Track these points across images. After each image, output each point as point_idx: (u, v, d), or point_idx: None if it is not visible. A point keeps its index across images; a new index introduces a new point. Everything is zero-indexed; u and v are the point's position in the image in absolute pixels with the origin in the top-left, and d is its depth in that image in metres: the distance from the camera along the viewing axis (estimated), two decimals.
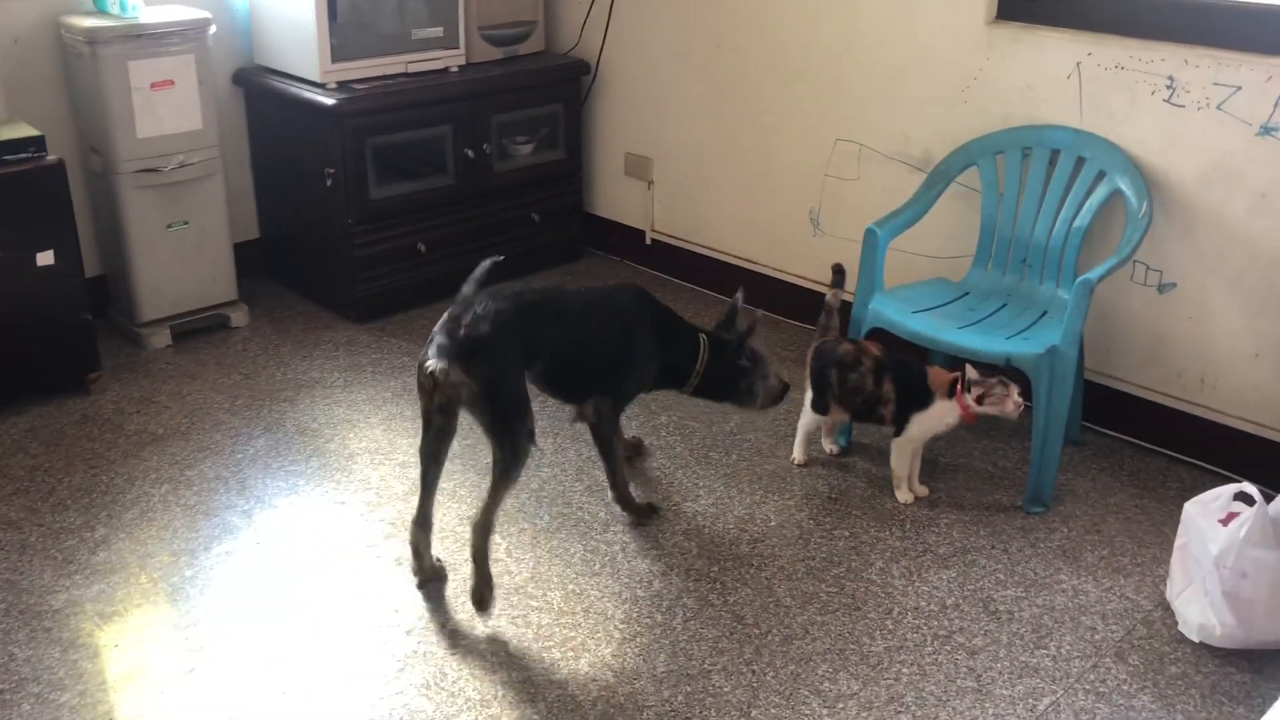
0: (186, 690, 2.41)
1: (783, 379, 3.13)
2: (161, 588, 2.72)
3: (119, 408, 3.52)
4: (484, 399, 2.55)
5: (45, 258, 3.41)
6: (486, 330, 2.56)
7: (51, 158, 3.38)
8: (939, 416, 3.00)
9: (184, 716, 2.34)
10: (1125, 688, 2.46)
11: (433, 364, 2.54)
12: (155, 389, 3.64)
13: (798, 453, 3.30)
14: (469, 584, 2.64)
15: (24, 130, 3.39)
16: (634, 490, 3.08)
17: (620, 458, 3.02)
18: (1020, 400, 2.92)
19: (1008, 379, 2.91)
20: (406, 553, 2.85)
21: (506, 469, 2.59)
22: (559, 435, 3.41)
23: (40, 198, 3.36)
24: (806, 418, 3.25)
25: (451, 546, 2.90)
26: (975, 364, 2.94)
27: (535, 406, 2.71)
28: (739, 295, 3.12)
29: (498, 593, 2.70)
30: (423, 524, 2.74)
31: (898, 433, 3.06)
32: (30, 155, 3.34)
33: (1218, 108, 3.03)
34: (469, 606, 2.66)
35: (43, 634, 2.56)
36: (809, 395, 3.20)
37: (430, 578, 2.77)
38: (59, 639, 2.55)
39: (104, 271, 4.02)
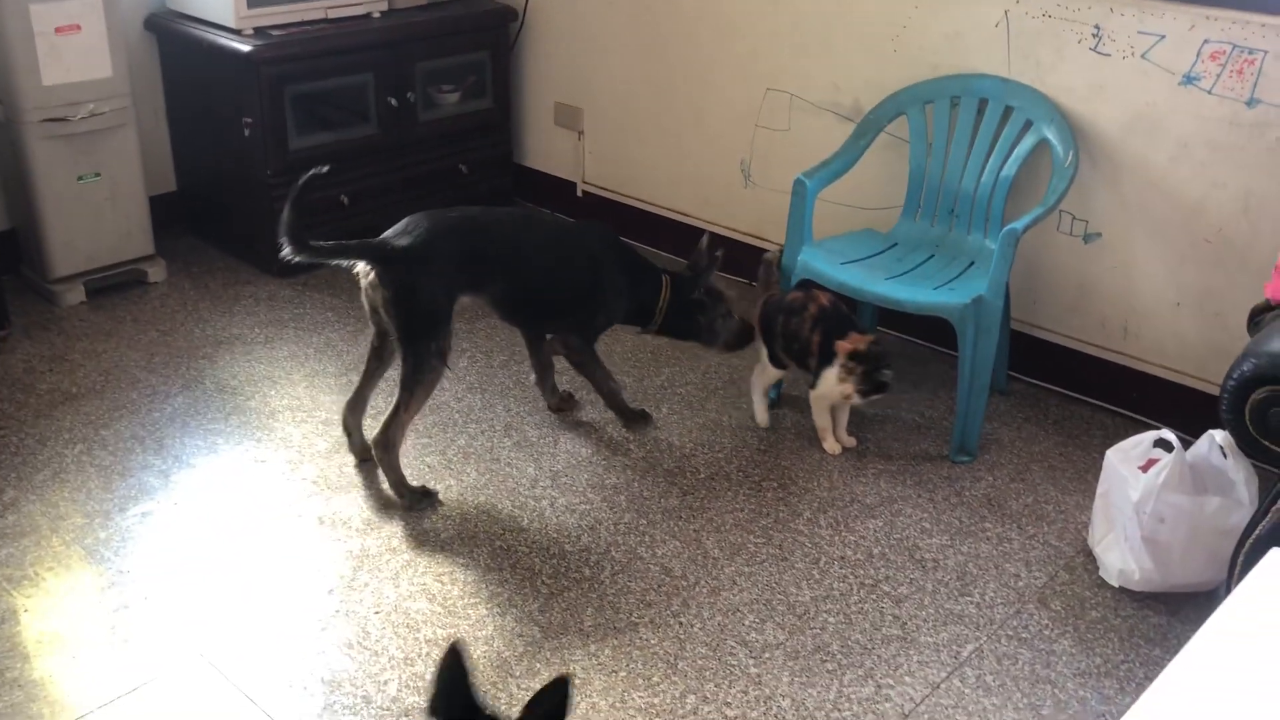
0: (103, 653, 2.35)
1: (747, 321, 3.15)
2: (75, 550, 2.64)
3: (30, 366, 3.40)
4: (394, 306, 2.69)
5: None
6: (407, 243, 2.71)
7: None
8: (832, 382, 2.96)
9: (100, 679, 2.28)
10: (1047, 633, 2.49)
11: (359, 267, 2.74)
12: (68, 347, 3.53)
13: (759, 415, 3.23)
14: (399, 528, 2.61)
15: None
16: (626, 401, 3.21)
17: (603, 375, 3.12)
18: (850, 390, 2.91)
19: (867, 367, 2.87)
20: (329, 511, 2.80)
21: (407, 382, 2.73)
22: (486, 391, 3.37)
23: None
24: (763, 375, 3.20)
25: (377, 504, 2.84)
26: (858, 346, 2.88)
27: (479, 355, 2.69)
28: (705, 239, 3.17)
29: (425, 549, 2.67)
30: (353, 407, 2.96)
31: (812, 386, 3.05)
32: None
33: (1142, 56, 3.04)
34: (392, 565, 2.63)
35: None
36: (763, 351, 3.16)
37: (362, 457, 2.95)
38: None
39: (12, 225, 3.87)
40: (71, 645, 2.38)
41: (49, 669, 2.31)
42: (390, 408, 2.77)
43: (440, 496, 2.87)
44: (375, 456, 2.80)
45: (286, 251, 2.69)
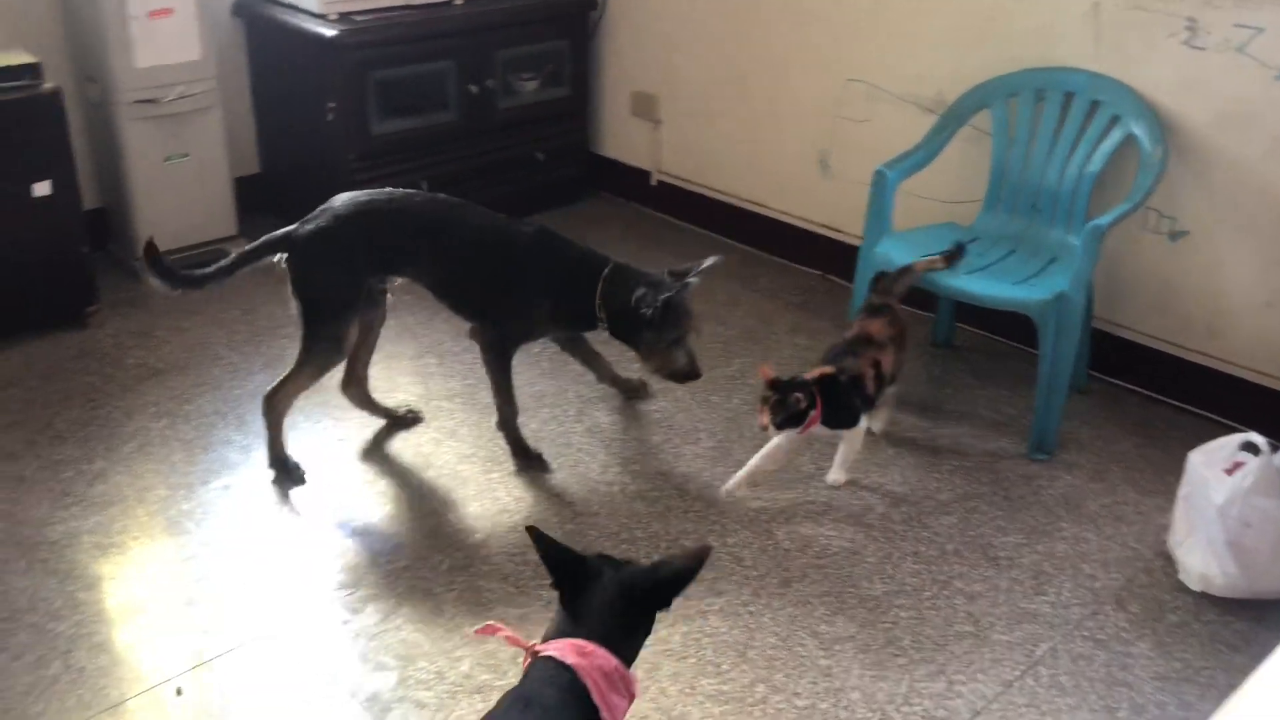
0: (183, 622, 2.41)
1: (694, 364, 2.82)
2: (159, 520, 2.71)
3: (118, 341, 3.50)
4: (293, 290, 2.78)
5: (42, 188, 3.36)
6: (307, 230, 2.74)
7: (48, 85, 3.33)
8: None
9: (180, 648, 2.34)
10: (1124, 635, 2.45)
11: (277, 255, 2.79)
12: (154, 323, 3.61)
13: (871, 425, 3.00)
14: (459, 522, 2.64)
15: (20, 57, 3.33)
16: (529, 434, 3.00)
17: (501, 389, 2.88)
18: (767, 423, 2.68)
19: (785, 398, 2.66)
20: (405, 489, 2.85)
21: (299, 360, 2.81)
22: (560, 377, 3.39)
23: (36, 126, 3.31)
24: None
25: (450, 484, 2.88)
26: (784, 382, 2.70)
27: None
28: (714, 260, 2.84)
29: (497, 530, 2.70)
30: (346, 385, 3.06)
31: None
32: (26, 83, 3.28)
33: (1238, 50, 2.96)
34: (466, 544, 2.66)
35: (40, 565, 2.55)
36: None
37: (392, 418, 3.10)
38: (56, 570, 2.54)
39: (103, 204, 3.98)
40: (153, 613, 2.44)
41: (133, 635, 2.37)
42: (281, 376, 2.84)
43: (514, 478, 2.89)
44: (263, 413, 2.85)
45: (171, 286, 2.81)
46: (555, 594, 2.07)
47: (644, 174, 4.59)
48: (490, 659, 2.32)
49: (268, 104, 4.27)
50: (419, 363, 3.44)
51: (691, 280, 2.76)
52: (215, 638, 2.37)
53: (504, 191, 4.40)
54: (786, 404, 2.66)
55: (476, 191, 4.30)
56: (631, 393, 3.25)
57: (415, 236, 2.80)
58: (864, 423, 2.85)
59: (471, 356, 3.48)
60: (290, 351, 3.45)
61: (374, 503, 2.82)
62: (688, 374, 2.84)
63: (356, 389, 3.08)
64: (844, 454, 2.89)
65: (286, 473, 2.87)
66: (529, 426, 3.12)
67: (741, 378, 3.42)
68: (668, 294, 2.69)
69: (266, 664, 2.30)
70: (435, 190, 4.13)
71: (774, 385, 2.69)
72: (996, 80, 3.33)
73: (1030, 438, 3.07)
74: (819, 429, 2.76)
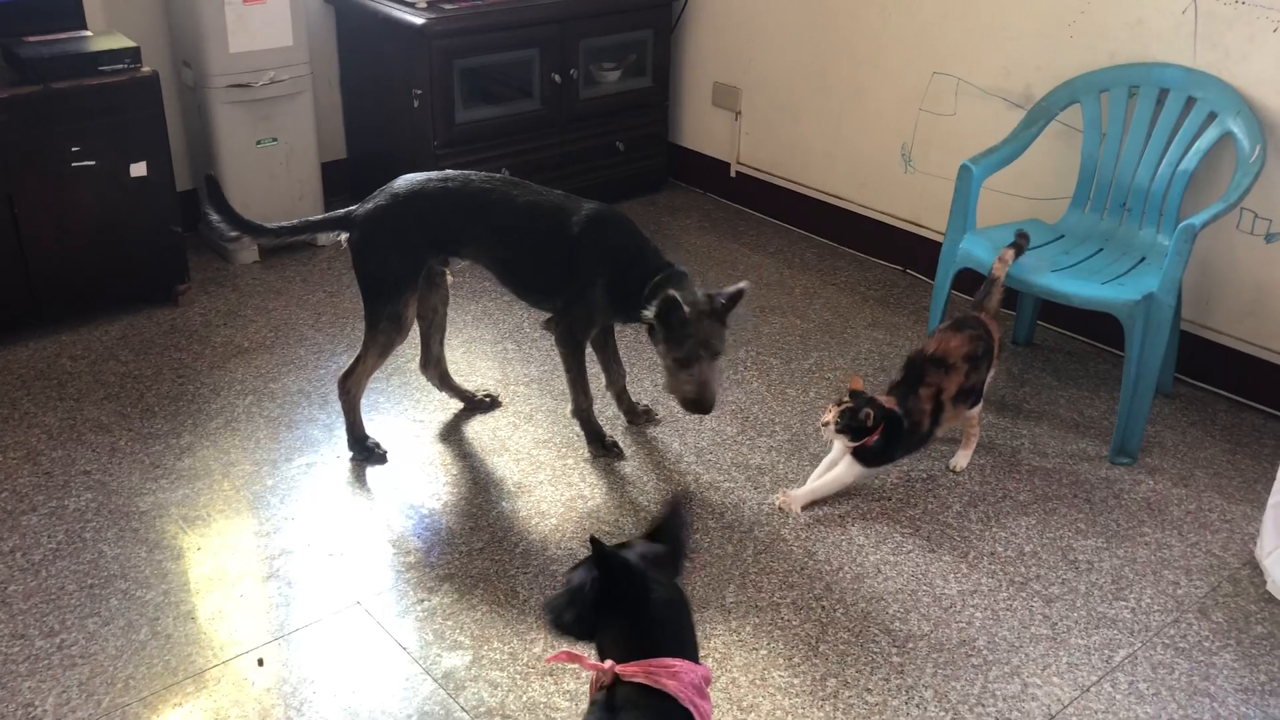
0: (266, 595, 2.47)
1: (703, 392, 2.65)
2: (244, 495, 2.78)
3: (206, 320, 3.59)
4: (354, 269, 2.84)
5: (138, 169, 3.46)
6: (365, 209, 2.77)
7: (146, 69, 3.42)
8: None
9: (263, 620, 2.40)
10: (1207, 644, 2.40)
11: (338, 232, 2.85)
12: (242, 303, 3.70)
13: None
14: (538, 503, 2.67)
15: (121, 41, 3.43)
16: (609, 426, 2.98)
17: (576, 382, 2.88)
18: (830, 421, 2.67)
19: (857, 409, 2.64)
20: (482, 473, 2.88)
21: (363, 344, 2.84)
22: (634, 365, 3.40)
23: (135, 109, 3.40)
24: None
25: (527, 468, 2.91)
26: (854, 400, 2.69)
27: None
28: (743, 286, 2.70)
29: (571, 514, 2.72)
30: (424, 365, 3.11)
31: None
32: (126, 66, 3.37)
33: None
34: (540, 528, 2.69)
35: (130, 534, 2.64)
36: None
37: (468, 400, 3.15)
38: (145, 539, 2.62)
39: (195, 185, 4.07)
40: (238, 585, 2.50)
41: (217, 606, 2.44)
42: (351, 360, 2.89)
43: (588, 465, 2.91)
44: (339, 395, 2.90)
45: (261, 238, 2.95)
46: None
47: (723, 165, 4.58)
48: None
49: (356, 90, 4.34)
50: (498, 348, 3.48)
51: (714, 296, 2.64)
52: (295, 611, 2.42)
53: (583, 181, 4.43)
54: (856, 415, 2.64)
55: (556, 181, 4.34)
56: (632, 415, 3.11)
57: (471, 216, 2.76)
58: (861, 472, 2.75)
59: (549, 343, 3.51)
60: None
61: (451, 484, 2.86)
62: (695, 401, 2.68)
63: (434, 369, 3.13)
64: (826, 480, 2.77)
65: (366, 452, 2.92)
66: (604, 415, 3.13)
67: (819, 371, 3.40)
68: (671, 296, 2.55)
69: (344, 638, 2.35)
70: (519, 176, 4.18)
71: (854, 394, 2.70)
72: (1088, 75, 3.27)
73: (1113, 441, 3.01)
74: (827, 433, 2.72)
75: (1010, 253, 2.94)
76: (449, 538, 2.66)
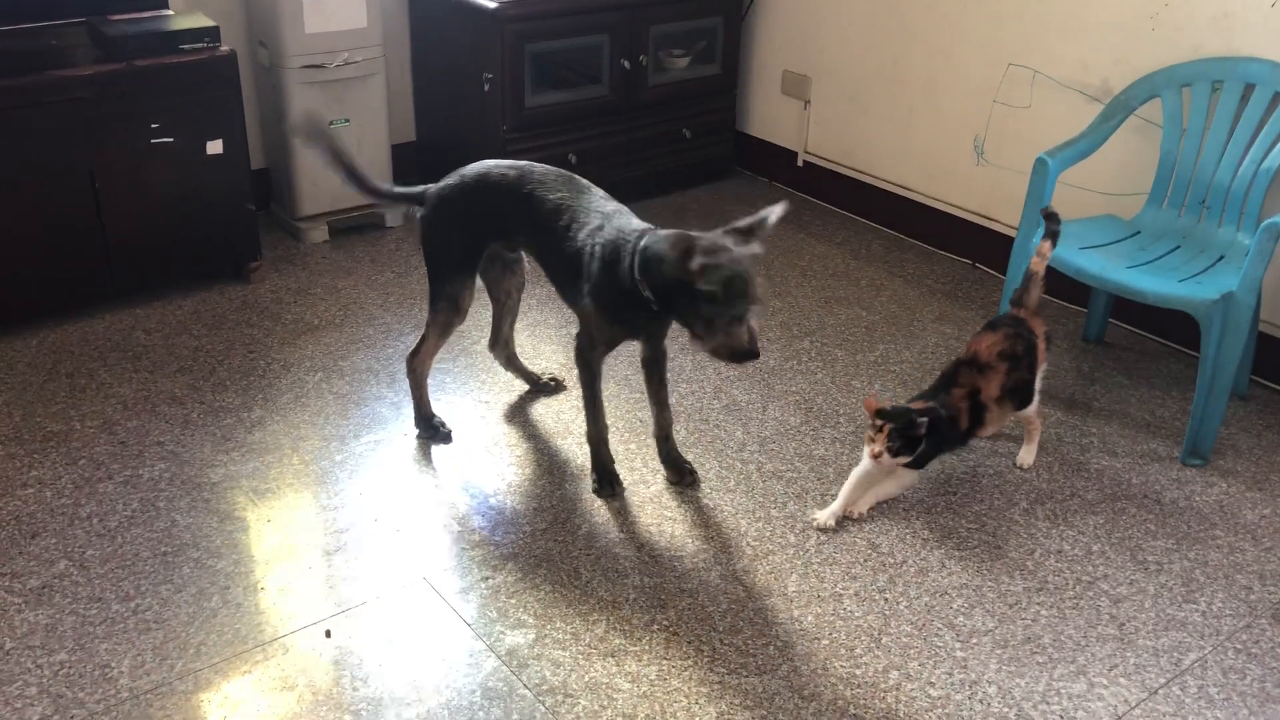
0: (332, 568, 2.51)
1: (756, 336, 2.35)
2: (312, 470, 2.82)
3: (277, 297, 3.64)
4: (420, 247, 2.86)
5: (214, 147, 3.52)
6: (435, 190, 2.79)
7: (224, 49, 3.47)
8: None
9: (330, 593, 2.44)
10: None
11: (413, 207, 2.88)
12: (312, 281, 3.75)
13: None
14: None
15: (201, 21, 3.49)
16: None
17: (589, 404, 2.70)
18: (881, 453, 2.58)
19: (897, 424, 2.56)
20: (546, 455, 2.90)
21: (426, 324, 2.88)
22: (697, 354, 3.38)
23: (213, 87, 3.46)
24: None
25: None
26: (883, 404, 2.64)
27: None
28: (777, 210, 2.42)
29: (634, 499, 2.73)
30: (493, 344, 3.16)
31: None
32: (205, 45, 3.43)
33: None
34: (603, 511, 2.70)
35: (202, 504, 2.69)
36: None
37: (534, 384, 3.19)
38: (216, 510, 2.67)
39: (267, 165, 4.14)
40: (306, 557, 2.54)
41: (286, 577, 2.48)
42: (417, 340, 2.92)
43: (652, 450, 2.91)
44: (406, 374, 2.95)
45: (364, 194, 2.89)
46: (693, 568, 2.07)
47: (791, 154, 4.55)
48: (625, 624, 2.35)
49: (427, 73, 4.37)
50: (562, 332, 3.50)
51: (751, 233, 2.36)
52: (361, 585, 2.46)
53: (650, 168, 4.44)
54: (908, 431, 2.55)
55: (623, 167, 4.36)
56: (676, 470, 2.82)
57: (518, 208, 2.69)
58: (917, 474, 2.73)
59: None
60: None
61: (515, 465, 2.88)
62: (748, 351, 2.35)
63: (501, 350, 3.15)
64: (890, 489, 2.73)
65: (432, 431, 2.95)
66: None
67: (884, 364, 3.38)
68: (694, 241, 2.28)
69: (410, 614, 2.38)
70: (586, 163, 4.19)
71: (882, 414, 2.59)
72: (1170, 69, 3.20)
73: (1185, 442, 2.96)
74: (887, 460, 2.62)
75: (1047, 244, 2.82)
76: (513, 517, 2.68)
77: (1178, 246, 3.12)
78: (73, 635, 2.28)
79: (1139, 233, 3.19)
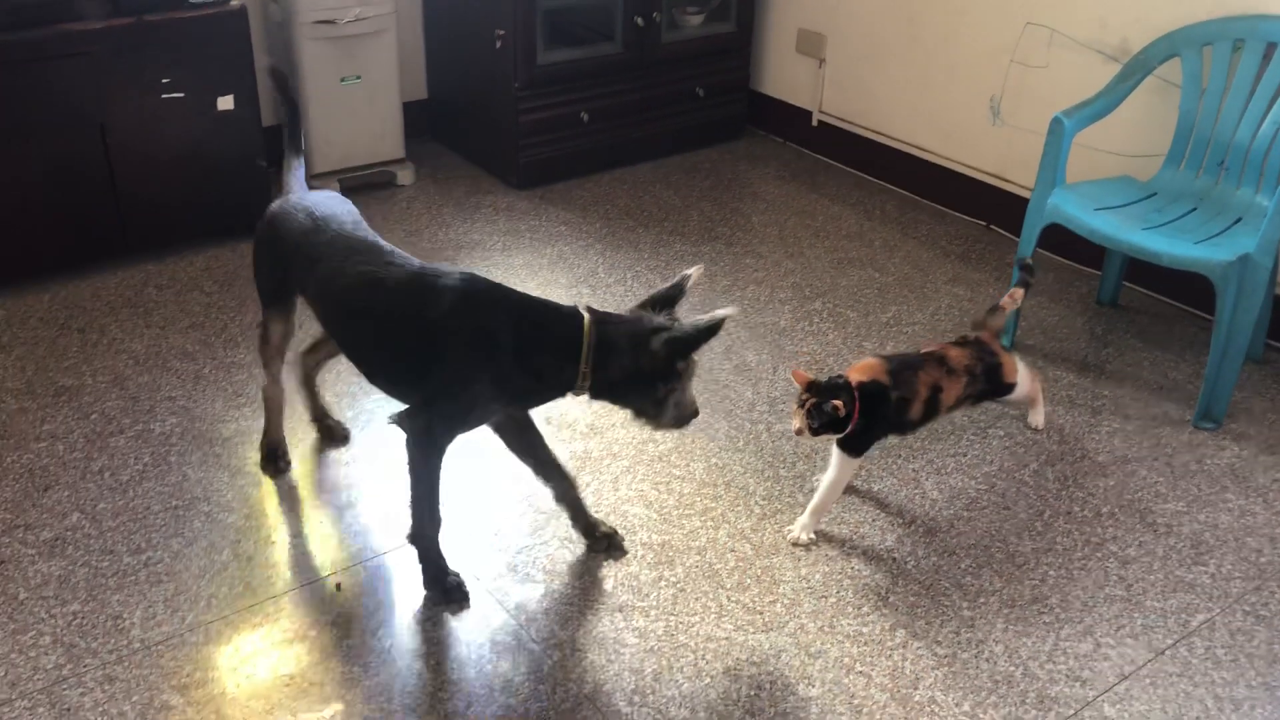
0: (343, 522, 2.52)
1: (693, 401, 2.23)
2: (323, 425, 2.83)
3: None
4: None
5: (225, 102, 3.51)
6: (276, 204, 2.49)
7: (235, 3, 3.45)
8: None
9: (338, 546, 2.45)
10: None
11: None
12: None
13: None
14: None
15: None
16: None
17: (425, 499, 2.26)
18: (802, 427, 2.40)
19: (823, 402, 2.37)
20: (556, 413, 2.90)
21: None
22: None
23: (223, 43, 3.44)
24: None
25: (600, 411, 2.92)
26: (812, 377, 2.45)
27: None
28: (694, 272, 2.24)
29: (643, 458, 2.73)
30: (305, 350, 2.76)
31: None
32: (216, 0, 3.40)
33: None
34: (612, 469, 2.70)
35: (213, 459, 2.70)
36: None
37: (323, 421, 2.82)
38: (227, 465, 2.68)
39: (279, 121, 4.12)
40: (317, 512, 2.56)
41: (297, 531, 2.50)
42: None
43: None
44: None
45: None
46: (701, 526, 2.07)
47: (805, 114, 4.52)
48: (633, 580, 2.36)
49: (438, 30, 4.34)
50: (573, 291, 3.49)
51: (672, 303, 2.19)
52: (372, 539, 2.47)
53: (662, 127, 4.41)
54: (824, 410, 2.37)
55: (635, 125, 4.33)
56: (593, 538, 2.47)
57: (306, 264, 2.35)
58: (859, 462, 2.50)
59: (627, 284, 3.53)
60: None
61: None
62: (690, 419, 2.24)
63: (304, 366, 2.80)
64: (819, 498, 2.50)
65: (327, 431, 2.80)
66: None
67: (896, 325, 3.36)
68: (675, 335, 2.10)
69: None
70: (598, 121, 4.16)
71: (810, 387, 2.41)
72: (1190, 28, 3.16)
73: (1197, 405, 2.94)
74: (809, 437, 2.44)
75: (1020, 293, 2.77)
76: (521, 474, 2.68)
77: (1194, 208, 3.08)
78: (85, 586, 2.30)
79: (1155, 194, 3.15)
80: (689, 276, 2.21)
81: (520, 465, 2.43)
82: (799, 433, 2.42)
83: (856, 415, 2.40)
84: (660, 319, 2.13)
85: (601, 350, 2.09)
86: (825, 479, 2.51)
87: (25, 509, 2.51)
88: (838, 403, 2.36)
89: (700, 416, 2.86)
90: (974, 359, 2.61)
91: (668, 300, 2.18)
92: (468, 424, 2.23)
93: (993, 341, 2.68)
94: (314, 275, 2.32)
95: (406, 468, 2.23)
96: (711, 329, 2.09)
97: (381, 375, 2.28)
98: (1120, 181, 3.22)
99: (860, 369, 2.48)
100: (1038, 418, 2.89)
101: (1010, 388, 2.69)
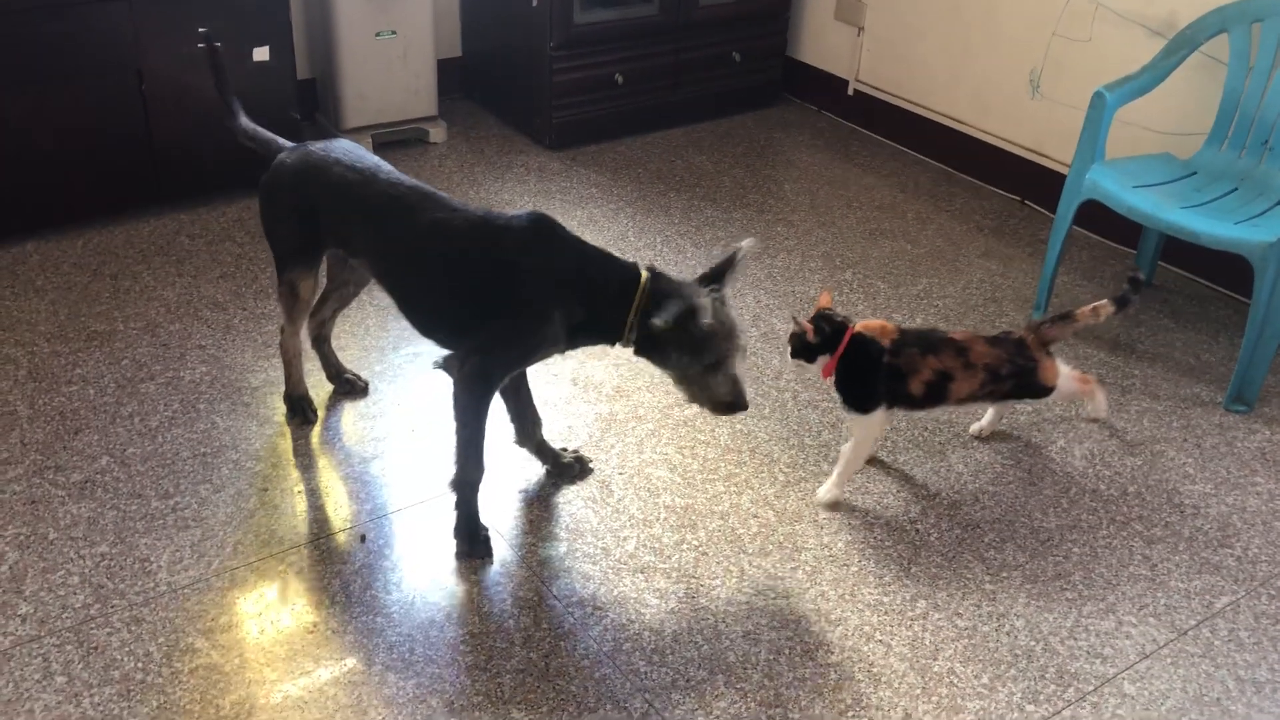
0: (368, 474, 2.54)
1: (738, 392, 2.22)
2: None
3: None
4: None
5: (261, 54, 3.50)
6: (266, 177, 2.50)
7: None
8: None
9: (364, 498, 2.47)
10: None
11: None
12: None
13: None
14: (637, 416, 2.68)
15: None
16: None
17: (472, 444, 2.25)
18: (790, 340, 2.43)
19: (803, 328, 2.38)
20: (583, 375, 2.91)
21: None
22: (737, 281, 3.37)
23: None
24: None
25: (626, 373, 2.92)
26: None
27: None
28: (746, 245, 2.27)
29: (668, 421, 2.73)
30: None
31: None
32: None
33: None
34: (637, 432, 2.71)
35: (241, 408, 2.72)
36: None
37: (339, 379, 2.81)
38: (256, 414, 2.70)
39: (313, 75, 4.12)
40: (344, 464, 2.57)
41: (323, 482, 2.52)
42: None
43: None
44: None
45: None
46: (725, 491, 2.06)
47: (841, 82, 4.47)
48: (655, 542, 2.37)
49: None
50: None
51: (723, 285, 2.23)
52: (397, 492, 2.49)
53: (697, 91, 4.38)
54: (798, 328, 2.39)
55: (669, 89, 4.30)
56: (560, 468, 2.55)
57: (341, 207, 2.38)
58: (877, 417, 2.43)
59: (660, 232, 3.51)
60: None
61: (551, 383, 2.88)
62: (730, 405, 2.24)
63: (315, 328, 2.79)
64: (842, 462, 2.49)
65: (296, 414, 2.71)
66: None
67: (927, 298, 3.34)
68: (691, 304, 2.11)
69: (444, 522, 2.40)
70: (632, 84, 4.14)
71: (818, 315, 2.44)
72: (1241, 3, 3.10)
73: (1230, 387, 2.91)
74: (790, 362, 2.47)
75: (1109, 309, 2.52)
76: (547, 434, 2.69)
77: (1235, 188, 3.04)
78: (113, 529, 2.33)
79: (1195, 173, 3.11)
80: (741, 249, 2.24)
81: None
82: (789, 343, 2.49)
83: (836, 360, 2.42)
84: (698, 289, 2.18)
85: (653, 303, 2.14)
86: (845, 447, 2.50)
87: (56, 451, 2.54)
88: (808, 325, 2.41)
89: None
90: (1001, 359, 2.45)
91: (719, 274, 2.24)
92: (525, 362, 2.30)
93: (1036, 348, 2.49)
94: (374, 229, 2.31)
95: (455, 412, 2.23)
96: (730, 261, 2.22)
97: (448, 323, 2.29)
98: (1160, 159, 3.18)
99: (872, 325, 2.48)
100: (1098, 410, 2.75)
101: (1048, 390, 2.52)
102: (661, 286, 2.17)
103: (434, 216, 2.24)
